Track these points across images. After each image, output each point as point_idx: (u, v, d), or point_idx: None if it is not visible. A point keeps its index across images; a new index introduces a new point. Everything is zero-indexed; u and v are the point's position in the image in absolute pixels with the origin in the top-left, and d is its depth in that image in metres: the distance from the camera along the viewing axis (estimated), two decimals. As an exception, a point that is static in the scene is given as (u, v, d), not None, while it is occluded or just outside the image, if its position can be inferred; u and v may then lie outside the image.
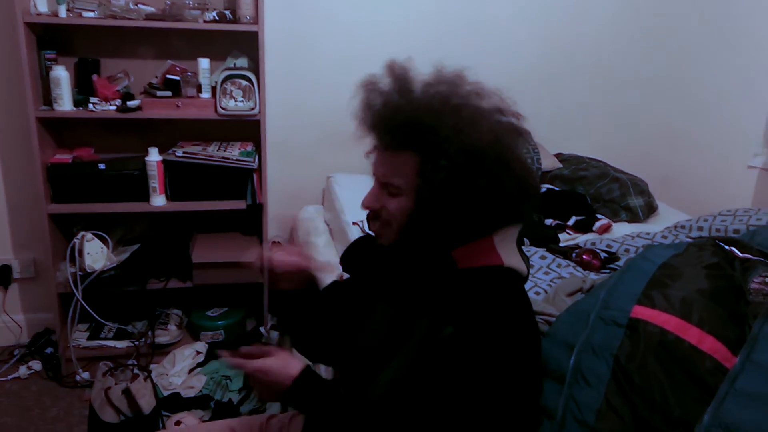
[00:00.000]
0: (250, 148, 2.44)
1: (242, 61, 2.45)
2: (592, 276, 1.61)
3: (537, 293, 1.48)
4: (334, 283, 1.30)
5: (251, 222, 2.56)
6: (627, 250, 1.84)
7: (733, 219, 1.90)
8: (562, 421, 1.01)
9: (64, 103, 2.17)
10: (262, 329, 2.66)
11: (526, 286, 1.49)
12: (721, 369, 0.99)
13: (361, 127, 1.00)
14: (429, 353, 0.92)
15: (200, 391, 2.15)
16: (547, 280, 1.55)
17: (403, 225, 0.97)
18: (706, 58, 2.87)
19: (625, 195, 2.44)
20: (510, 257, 0.98)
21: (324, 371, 1.66)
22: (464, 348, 0.89)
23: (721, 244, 1.33)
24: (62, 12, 2.11)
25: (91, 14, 2.16)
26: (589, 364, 1.05)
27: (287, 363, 0.99)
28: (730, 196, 2.65)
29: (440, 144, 0.90)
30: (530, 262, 1.64)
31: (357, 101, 1.00)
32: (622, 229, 2.25)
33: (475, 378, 0.88)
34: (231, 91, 2.28)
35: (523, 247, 1.82)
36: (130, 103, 2.25)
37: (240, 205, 2.39)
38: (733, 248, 1.32)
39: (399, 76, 0.97)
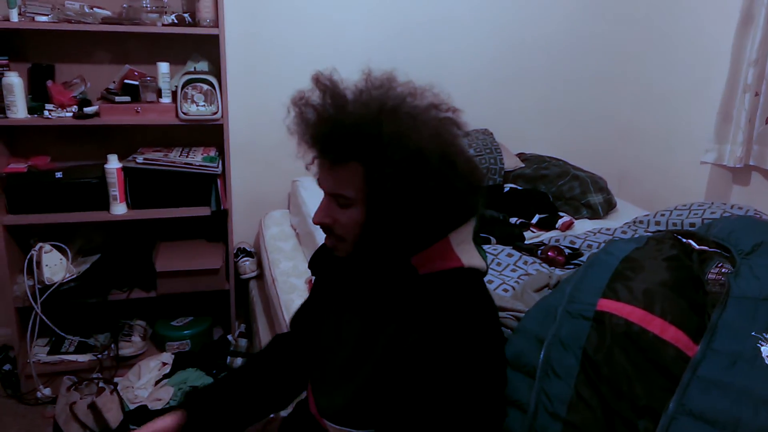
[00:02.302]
0: (213, 153, 2.41)
1: (203, 65, 2.42)
2: (558, 272, 1.65)
3: (505, 290, 1.50)
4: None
5: (216, 228, 2.53)
6: (590, 246, 1.88)
7: (688, 213, 1.97)
8: (535, 414, 1.03)
9: (18, 111, 2.11)
10: (229, 337, 2.63)
11: (496, 283, 1.53)
12: (684, 357, 1.02)
13: (300, 143, 0.97)
14: (395, 360, 0.93)
15: (168, 403, 2.11)
16: (515, 277, 1.58)
17: (357, 236, 0.96)
18: (658, 58, 2.97)
19: (585, 192, 2.50)
20: (468, 257, 0.99)
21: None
22: (431, 352, 0.90)
23: (679, 237, 1.38)
24: (14, 16, 2.05)
25: (44, 18, 2.10)
26: (559, 357, 1.07)
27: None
28: (684, 191, 2.74)
29: (384, 151, 0.88)
30: (498, 260, 1.67)
31: (290, 119, 0.97)
32: (583, 226, 2.31)
33: (443, 380, 0.89)
34: (192, 96, 2.25)
35: (489, 245, 1.85)
36: (88, 110, 2.20)
37: (204, 211, 2.36)
38: (690, 241, 1.37)
39: (329, 87, 0.95)
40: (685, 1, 2.81)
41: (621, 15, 2.98)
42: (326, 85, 0.95)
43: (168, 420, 1.07)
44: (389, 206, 0.91)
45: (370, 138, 0.89)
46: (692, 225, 1.86)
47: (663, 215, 2.02)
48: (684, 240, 1.37)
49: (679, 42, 2.85)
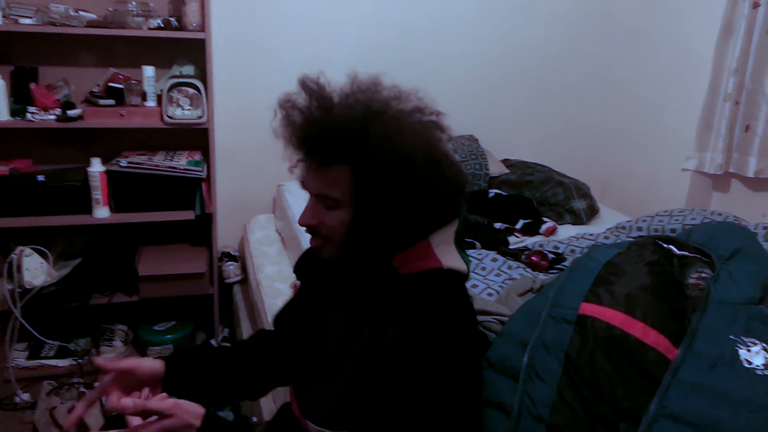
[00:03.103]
0: (198, 157, 2.40)
1: (188, 69, 2.41)
2: (541, 276, 1.66)
3: (490, 294, 1.51)
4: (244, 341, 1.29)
5: (200, 232, 2.51)
6: (573, 251, 1.90)
7: (669, 219, 1.99)
8: (518, 417, 1.03)
9: (1, 113, 2.09)
10: (213, 342, 2.61)
11: (480, 288, 1.54)
12: (665, 361, 1.03)
13: (287, 146, 0.98)
14: (372, 359, 0.93)
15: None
16: (499, 281, 1.59)
17: (343, 237, 0.97)
18: (640, 67, 3.01)
19: (568, 198, 2.53)
20: (448, 258, 1.00)
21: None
22: (406, 351, 0.90)
23: (660, 242, 1.40)
24: (-3, 18, 2.03)
25: (28, 21, 2.09)
26: (542, 360, 1.08)
27: (186, 418, 0.94)
28: (665, 198, 2.78)
29: (371, 153, 0.89)
30: (482, 265, 1.68)
31: (277, 121, 0.98)
32: (566, 231, 2.33)
33: (418, 379, 0.90)
34: (177, 99, 2.24)
35: (474, 250, 1.86)
36: (71, 113, 2.18)
37: (188, 215, 2.34)
38: (671, 246, 1.39)
39: (315, 90, 0.96)
40: (667, 11, 2.86)
41: (605, 24, 3.03)
42: (312, 88, 0.96)
43: (152, 365, 1.05)
44: (376, 207, 0.92)
45: (358, 140, 0.90)
46: (673, 231, 1.89)
47: (645, 221, 2.05)
48: (665, 245, 1.39)
49: (662, 51, 2.90)
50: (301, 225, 0.99)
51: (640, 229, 2.03)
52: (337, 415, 0.98)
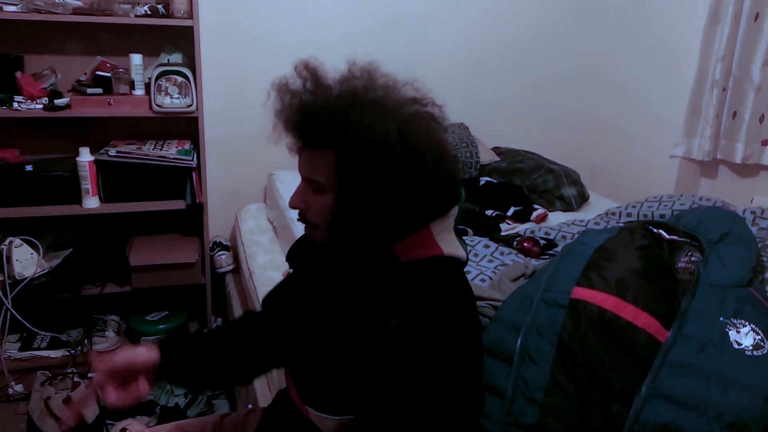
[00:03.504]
0: (188, 146, 2.39)
1: (177, 57, 2.39)
2: (533, 262, 1.67)
3: (483, 280, 1.53)
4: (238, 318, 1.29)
5: (191, 222, 2.50)
6: (564, 237, 1.92)
7: (658, 205, 2.01)
8: (512, 400, 1.05)
9: (-14, 102, 2.06)
10: (205, 331, 2.61)
11: (473, 274, 1.55)
12: (656, 343, 1.05)
13: (278, 128, 0.99)
14: (375, 346, 0.94)
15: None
16: (492, 267, 1.60)
17: (329, 222, 0.98)
18: (629, 54, 3.03)
19: (559, 185, 2.54)
20: (449, 246, 1.01)
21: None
22: (410, 338, 0.91)
23: (650, 227, 1.42)
24: (-19, 6, 2.00)
25: (12, 8, 2.06)
26: (535, 344, 1.09)
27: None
28: (654, 184, 2.80)
29: (350, 141, 0.91)
30: (475, 251, 1.69)
31: (272, 103, 1.00)
32: (557, 218, 2.35)
33: (423, 366, 0.91)
34: (166, 88, 2.22)
35: (466, 237, 1.87)
36: (58, 102, 2.16)
37: (179, 205, 2.33)
38: (661, 231, 1.40)
39: (309, 75, 0.98)
40: (655, 3, 2.87)
41: (593, 11, 3.03)
42: (306, 73, 0.98)
43: (147, 357, 1.05)
44: (355, 194, 0.94)
45: (340, 126, 0.91)
46: (662, 216, 1.90)
47: (634, 207, 2.07)
48: (655, 230, 1.40)
49: (650, 38, 2.91)
50: (290, 207, 1.02)
51: (629, 215, 2.05)
52: (338, 400, 0.99)
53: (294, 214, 2.21)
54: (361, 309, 0.99)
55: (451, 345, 0.92)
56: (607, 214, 2.14)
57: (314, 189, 0.98)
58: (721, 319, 1.06)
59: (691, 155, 2.73)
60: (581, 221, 2.07)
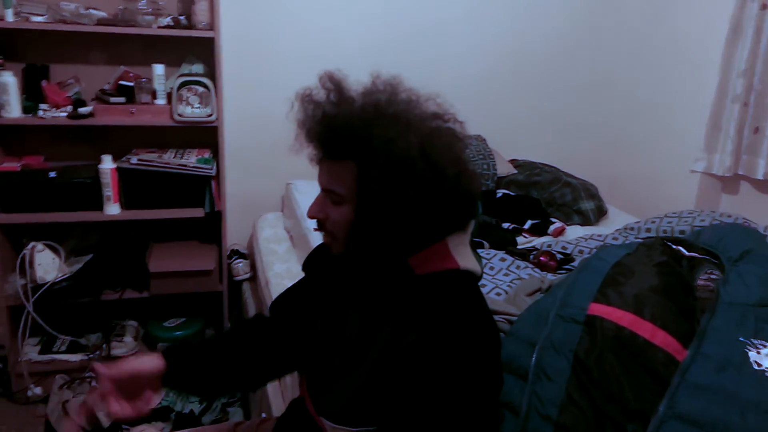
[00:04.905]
0: (207, 155, 2.41)
1: (198, 67, 2.42)
2: (550, 276, 1.66)
3: (498, 294, 1.52)
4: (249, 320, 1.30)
5: (210, 230, 2.53)
6: (581, 252, 1.90)
7: (678, 221, 1.99)
8: (527, 417, 1.04)
9: (12, 110, 2.11)
10: (212, 337, 2.62)
11: (489, 287, 1.55)
12: (673, 361, 1.04)
13: (300, 138, 1.01)
14: (392, 360, 0.94)
15: (160, 402, 2.11)
16: (507, 281, 1.60)
17: (348, 234, 0.98)
18: (649, 67, 3.01)
19: (576, 199, 2.53)
20: (464, 259, 1.01)
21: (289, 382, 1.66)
22: (428, 353, 0.91)
23: (669, 243, 1.40)
24: (9, 16, 2.05)
25: (39, 19, 2.11)
26: (550, 360, 1.09)
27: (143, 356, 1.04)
28: (674, 199, 2.77)
29: (373, 154, 0.92)
30: (491, 264, 1.69)
31: (295, 113, 1.01)
32: (575, 232, 2.33)
33: (441, 381, 0.90)
34: (187, 98, 2.25)
35: (482, 250, 1.87)
36: (82, 110, 2.20)
37: (198, 213, 2.36)
38: (680, 247, 1.39)
39: (333, 86, 0.99)
40: (675, 11, 2.86)
41: (612, 24, 3.02)
42: (331, 84, 0.99)
43: (152, 366, 1.05)
44: (375, 207, 0.94)
45: (362, 139, 0.92)
46: (682, 232, 1.88)
47: (653, 222, 2.05)
48: (674, 246, 1.39)
49: (670, 51, 2.89)
50: (309, 217, 1.03)
51: (648, 230, 2.03)
52: (355, 411, 0.99)
53: (310, 223, 2.22)
54: (378, 321, 1.00)
55: (467, 359, 0.92)
56: (625, 229, 2.12)
57: (333, 200, 0.98)
58: (741, 339, 1.04)
59: (712, 170, 2.69)
60: (599, 236, 2.05)
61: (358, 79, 1.02)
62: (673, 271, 1.24)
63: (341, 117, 0.95)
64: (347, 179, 0.95)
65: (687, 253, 1.36)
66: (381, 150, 0.91)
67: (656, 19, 2.94)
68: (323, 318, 1.12)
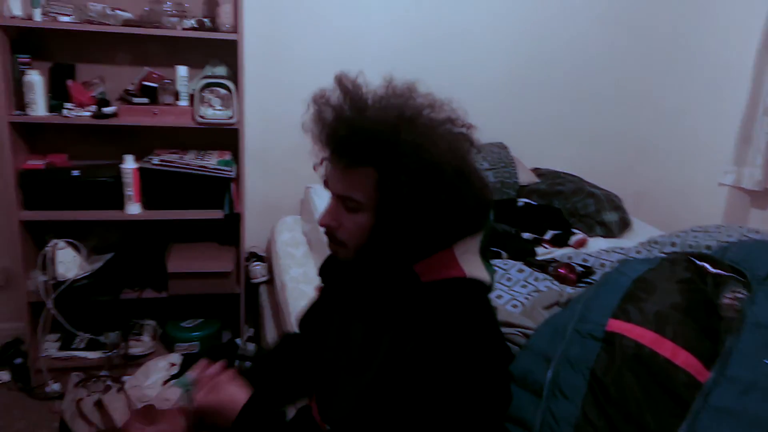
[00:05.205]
0: (228, 157, 2.42)
1: (221, 69, 2.44)
2: (569, 289, 1.63)
3: (515, 306, 1.49)
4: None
5: (228, 232, 2.53)
6: (602, 265, 1.86)
7: (705, 235, 1.94)
8: (540, 435, 1.01)
9: (38, 108, 2.14)
10: (238, 341, 2.63)
11: (506, 299, 1.52)
12: (695, 383, 1.00)
13: (314, 142, 0.97)
14: (392, 369, 0.92)
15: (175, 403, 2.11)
16: (525, 293, 1.57)
17: (361, 242, 0.96)
18: (678, 76, 2.94)
19: (600, 210, 2.48)
20: (472, 268, 0.98)
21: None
22: (424, 363, 0.89)
23: (694, 259, 1.36)
24: (37, 16, 2.08)
25: (66, 18, 2.13)
26: (566, 377, 1.06)
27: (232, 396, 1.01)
28: (701, 213, 2.70)
29: (400, 159, 0.89)
30: (508, 275, 1.66)
31: (308, 115, 0.97)
32: (597, 244, 2.29)
33: (438, 390, 0.88)
34: (209, 100, 2.26)
35: (500, 260, 1.84)
36: (106, 110, 2.22)
37: (217, 214, 2.37)
38: (705, 264, 1.34)
39: (350, 90, 0.95)
40: (707, 20, 2.79)
41: (641, 32, 2.96)
42: (348, 87, 0.96)
43: (238, 395, 1.04)
44: (399, 214, 0.92)
45: (388, 144, 0.90)
46: (708, 247, 1.83)
47: (679, 236, 2.00)
48: (699, 262, 1.34)
49: (700, 60, 2.83)
50: (321, 225, 0.99)
51: (673, 244, 1.98)
52: (356, 421, 0.98)
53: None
54: (381, 328, 0.98)
55: (465, 371, 0.90)
56: (649, 242, 2.07)
57: (349, 207, 0.95)
58: (767, 361, 1.00)
59: (741, 184, 2.62)
60: (622, 249, 2.01)
61: (377, 82, 0.99)
62: (697, 288, 1.20)
63: (362, 121, 0.92)
64: (366, 186, 0.92)
65: (712, 270, 1.31)
66: (409, 155, 0.89)
67: (687, 26, 2.88)
68: (331, 326, 1.11)
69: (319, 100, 0.97)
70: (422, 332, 0.91)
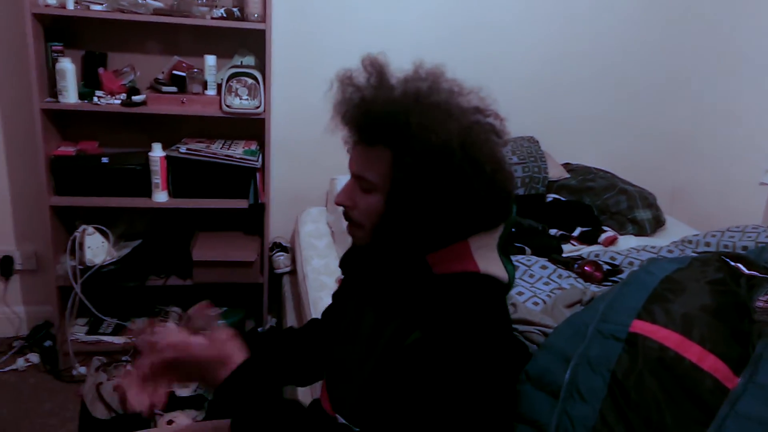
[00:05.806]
0: (254, 146, 2.42)
1: (249, 59, 2.44)
2: (593, 288, 1.57)
3: (536, 303, 1.45)
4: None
5: (253, 221, 2.54)
6: (631, 263, 1.80)
7: (741, 235, 1.86)
8: (555, 437, 0.98)
9: (70, 96, 2.17)
10: (260, 330, 2.64)
11: (526, 296, 1.48)
12: (722, 389, 0.95)
13: (335, 121, 0.98)
14: (394, 358, 0.90)
15: (195, 390, 2.13)
16: (547, 290, 1.52)
17: (375, 224, 0.96)
18: (720, 71, 2.83)
19: (632, 207, 2.40)
20: (487, 264, 0.96)
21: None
22: (427, 355, 0.87)
23: (727, 260, 1.29)
24: (70, 4, 2.11)
25: (98, 7, 2.16)
26: (585, 378, 1.01)
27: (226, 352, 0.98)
28: (739, 212, 2.60)
29: (409, 141, 0.89)
30: (530, 272, 1.61)
31: (333, 94, 0.99)
32: (628, 242, 2.22)
33: (439, 385, 0.86)
34: (236, 89, 2.26)
35: (523, 256, 1.79)
36: (136, 98, 2.24)
37: (242, 204, 2.37)
38: (740, 265, 1.28)
39: (376, 71, 0.97)
40: (754, 13, 2.67)
41: (680, 25, 2.85)
42: (372, 68, 0.97)
43: (236, 356, 1.01)
44: (407, 197, 0.91)
45: (399, 125, 0.90)
46: (744, 248, 1.75)
47: (714, 236, 1.92)
48: (732, 263, 1.28)
49: (745, 53, 2.71)
50: (336, 204, 1.00)
51: (708, 244, 1.90)
52: (360, 411, 0.96)
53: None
54: (388, 317, 0.96)
55: (473, 367, 0.87)
56: (683, 241, 2.00)
57: (363, 187, 0.96)
58: (801, 369, 0.94)
59: (784, 183, 2.51)
60: (653, 248, 1.94)
61: (403, 68, 0.99)
62: (729, 290, 1.14)
63: (380, 102, 0.93)
64: (380, 166, 0.92)
65: (746, 271, 1.25)
66: (418, 138, 0.88)
67: (732, 16, 2.76)
68: (346, 314, 1.10)
69: (344, 80, 0.98)
70: (428, 326, 0.89)
